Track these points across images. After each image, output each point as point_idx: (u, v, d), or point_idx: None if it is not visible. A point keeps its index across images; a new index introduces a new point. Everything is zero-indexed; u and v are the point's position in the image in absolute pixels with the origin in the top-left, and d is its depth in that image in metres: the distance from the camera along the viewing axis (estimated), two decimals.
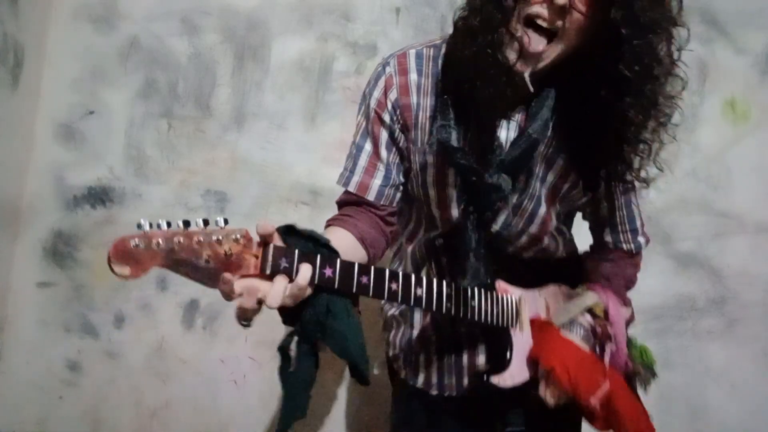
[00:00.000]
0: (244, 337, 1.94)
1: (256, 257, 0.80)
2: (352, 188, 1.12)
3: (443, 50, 1.09)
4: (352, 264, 0.88)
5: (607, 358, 1.13)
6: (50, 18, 1.99)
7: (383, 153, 1.11)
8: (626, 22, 0.89)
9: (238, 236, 0.79)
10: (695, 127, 2.01)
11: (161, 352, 1.95)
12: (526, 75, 0.97)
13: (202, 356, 1.95)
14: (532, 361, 1.09)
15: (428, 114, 1.08)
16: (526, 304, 1.12)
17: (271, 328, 1.96)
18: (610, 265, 1.24)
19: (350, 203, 1.14)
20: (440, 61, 1.08)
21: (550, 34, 0.94)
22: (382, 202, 1.12)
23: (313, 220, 1.95)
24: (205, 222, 0.78)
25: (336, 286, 0.86)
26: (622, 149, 1.00)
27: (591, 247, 1.32)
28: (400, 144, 1.12)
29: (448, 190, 1.10)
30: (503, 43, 0.94)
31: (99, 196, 1.97)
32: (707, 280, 1.99)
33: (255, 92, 1.99)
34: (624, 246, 1.24)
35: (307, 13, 2.00)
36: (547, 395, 1.07)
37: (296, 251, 0.83)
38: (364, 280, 0.88)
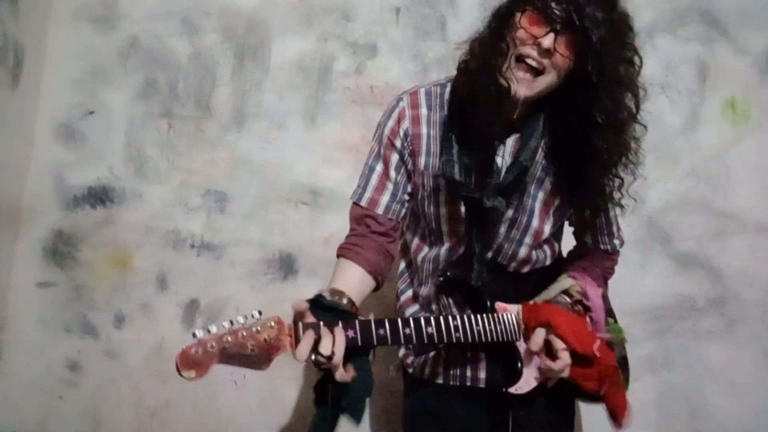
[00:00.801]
0: None
1: (290, 336, 1.01)
2: (363, 203, 1.30)
3: (448, 88, 1.29)
4: (368, 321, 1.07)
5: (588, 326, 1.32)
6: (50, 18, 1.99)
7: (392, 173, 1.30)
8: (598, 75, 1.11)
9: (273, 323, 1.00)
10: (695, 127, 2.01)
11: (161, 352, 1.95)
12: (521, 100, 1.16)
13: None
14: (537, 328, 1.22)
15: (438, 142, 1.27)
16: (521, 315, 1.26)
17: None
18: (588, 258, 1.44)
19: (360, 221, 1.31)
20: (446, 98, 1.28)
21: (537, 72, 1.15)
22: (389, 216, 1.30)
23: (312, 220, 1.96)
24: (245, 317, 0.98)
25: (359, 344, 1.05)
26: (597, 178, 1.22)
27: (574, 247, 1.51)
28: (408, 167, 1.31)
29: (459, 208, 1.27)
30: (498, 80, 1.14)
31: (99, 196, 1.97)
32: (707, 280, 1.99)
33: (255, 92, 1.99)
34: (601, 246, 1.44)
35: (307, 13, 2.00)
36: (562, 354, 1.20)
37: (321, 324, 1.03)
38: (381, 332, 1.07)
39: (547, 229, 1.33)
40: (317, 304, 1.08)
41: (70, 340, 1.95)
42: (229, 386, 1.94)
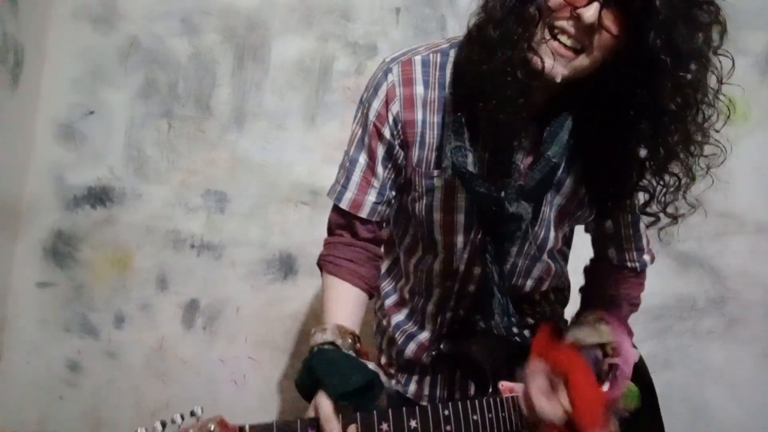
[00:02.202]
0: (244, 337, 1.94)
1: None
2: (344, 205, 1.07)
3: (451, 57, 0.99)
4: (372, 414, 0.87)
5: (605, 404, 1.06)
6: (50, 18, 1.99)
7: (379, 169, 1.05)
8: (667, 50, 0.80)
9: (212, 426, 0.85)
10: None
11: (161, 352, 1.95)
12: (558, 79, 0.88)
13: (202, 356, 1.95)
14: (545, 363, 1.03)
15: (436, 133, 1.00)
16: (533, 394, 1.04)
17: (272, 328, 1.96)
18: (618, 286, 1.19)
19: (343, 227, 1.10)
20: (448, 70, 0.99)
21: (575, 51, 0.86)
22: (374, 219, 1.08)
23: (312, 220, 1.95)
24: (182, 417, 0.82)
25: None
26: (644, 178, 0.95)
27: (592, 261, 1.25)
28: (398, 161, 1.05)
29: (456, 215, 1.04)
30: (525, 59, 0.86)
31: (99, 196, 1.97)
32: (707, 280, 1.98)
33: (255, 92, 1.99)
34: (629, 264, 1.18)
35: (307, 13, 2.00)
36: (560, 403, 1.00)
37: (273, 425, 0.88)
38: (384, 427, 0.87)
39: (560, 238, 1.13)
40: (332, 360, 0.91)
41: (70, 340, 1.95)
42: (229, 386, 1.94)
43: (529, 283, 1.14)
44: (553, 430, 1.00)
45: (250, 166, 1.98)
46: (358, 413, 0.87)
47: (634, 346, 1.18)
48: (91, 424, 1.94)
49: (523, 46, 0.85)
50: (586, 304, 1.21)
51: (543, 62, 0.86)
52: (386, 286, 1.29)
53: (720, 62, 0.87)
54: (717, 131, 0.91)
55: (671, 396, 1.93)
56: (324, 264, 1.09)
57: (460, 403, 0.95)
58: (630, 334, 1.16)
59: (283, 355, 1.95)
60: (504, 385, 1.04)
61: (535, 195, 0.99)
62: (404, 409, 0.90)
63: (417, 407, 0.91)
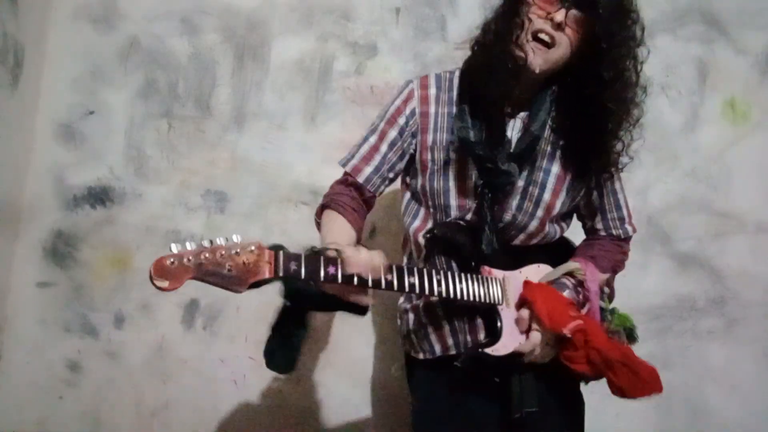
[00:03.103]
0: (244, 336, 1.94)
1: (269, 263, 1.00)
2: (348, 168, 1.37)
3: (457, 74, 1.37)
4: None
5: (584, 310, 1.31)
6: (50, 18, 1.99)
7: (383, 147, 1.36)
8: (605, 36, 1.20)
9: (253, 248, 0.99)
10: (695, 127, 2.01)
11: (161, 352, 1.95)
12: (537, 70, 1.23)
13: (202, 356, 1.95)
14: (521, 304, 1.27)
15: (447, 120, 1.33)
16: (509, 282, 1.30)
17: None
18: (599, 247, 1.44)
19: (347, 184, 1.37)
20: (456, 81, 1.35)
21: (550, 46, 1.23)
22: (368, 187, 1.36)
23: (312, 220, 1.95)
24: (226, 239, 0.98)
25: (339, 281, 1.05)
26: (605, 140, 1.29)
27: (583, 240, 1.50)
28: (405, 145, 1.36)
29: (468, 182, 1.32)
30: (514, 52, 1.22)
31: (99, 196, 1.97)
32: (707, 280, 1.99)
33: (255, 92, 2.00)
34: (613, 231, 1.46)
35: (307, 13, 2.00)
36: (532, 334, 1.24)
37: (302, 255, 1.04)
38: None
39: (558, 205, 1.36)
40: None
41: (70, 340, 1.95)
42: (229, 386, 1.94)
43: (521, 236, 1.36)
44: (565, 352, 1.24)
45: (250, 166, 1.98)
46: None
47: (609, 284, 1.43)
48: (91, 424, 1.94)
49: (510, 45, 1.23)
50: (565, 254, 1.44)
51: (525, 56, 1.22)
52: None
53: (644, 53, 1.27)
54: (643, 102, 1.30)
55: (671, 396, 1.93)
56: (332, 203, 1.34)
57: (449, 272, 1.22)
58: (604, 272, 1.39)
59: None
60: (485, 268, 1.28)
61: (520, 158, 1.29)
62: (405, 267, 1.15)
63: (415, 268, 1.16)
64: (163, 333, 1.95)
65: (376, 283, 1.08)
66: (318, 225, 1.37)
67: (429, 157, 1.34)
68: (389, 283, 1.10)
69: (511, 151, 1.29)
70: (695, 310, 1.98)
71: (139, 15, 1.99)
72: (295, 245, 1.94)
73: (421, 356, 1.40)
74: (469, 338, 1.32)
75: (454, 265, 1.31)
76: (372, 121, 1.41)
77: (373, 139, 1.37)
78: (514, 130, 1.32)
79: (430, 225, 1.37)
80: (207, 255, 0.94)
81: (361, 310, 1.12)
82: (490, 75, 1.24)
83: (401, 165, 1.38)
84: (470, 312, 1.32)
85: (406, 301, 1.46)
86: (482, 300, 1.24)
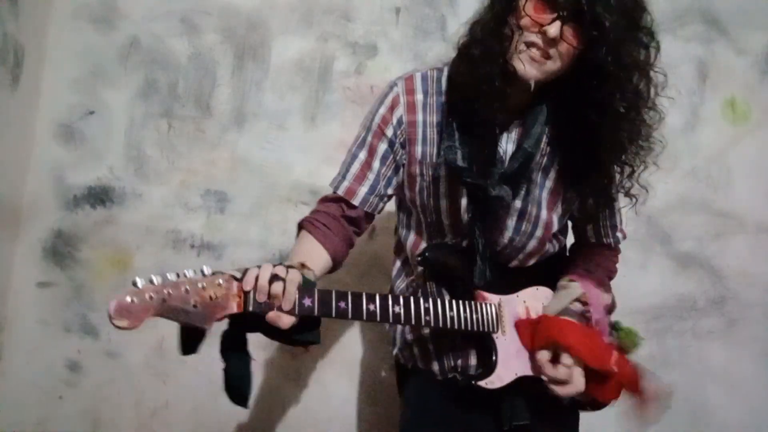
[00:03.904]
0: None
1: (239, 297, 0.94)
2: (340, 192, 1.24)
3: (446, 72, 1.23)
4: (329, 292, 1.00)
5: (602, 337, 1.24)
6: (50, 18, 1.99)
7: (375, 164, 1.23)
8: (611, 61, 1.03)
9: (221, 281, 0.92)
10: (695, 127, 2.01)
11: (161, 352, 1.95)
12: (532, 83, 1.09)
13: (202, 356, 1.94)
14: (545, 347, 1.17)
15: (436, 131, 1.21)
16: (505, 307, 1.22)
17: None
18: (592, 257, 1.36)
19: (334, 201, 1.25)
20: (444, 82, 1.22)
21: (545, 58, 1.08)
22: (365, 209, 1.24)
23: None
24: (194, 271, 0.92)
25: (315, 313, 0.98)
26: (606, 166, 1.16)
27: (572, 246, 1.45)
28: (398, 157, 1.24)
29: (460, 200, 1.22)
30: (502, 70, 1.08)
31: (99, 196, 1.97)
32: (707, 280, 1.99)
33: (255, 92, 1.99)
34: (604, 240, 1.37)
35: (307, 13, 2.00)
36: (560, 372, 1.14)
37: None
38: (342, 305, 1.00)
39: (556, 220, 1.28)
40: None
41: (70, 340, 1.95)
42: None
43: (520, 256, 1.28)
44: (594, 385, 1.16)
45: (250, 166, 1.98)
46: (349, 292, 1.02)
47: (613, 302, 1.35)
48: (91, 424, 1.94)
49: (500, 60, 1.08)
50: (560, 270, 1.35)
51: (517, 68, 1.08)
52: (400, 284, 1.39)
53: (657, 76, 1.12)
54: (656, 129, 1.15)
55: (671, 396, 1.93)
56: (305, 224, 1.22)
57: (439, 299, 1.13)
58: (601, 284, 1.31)
59: (283, 354, 1.95)
60: (479, 293, 1.20)
61: (515, 180, 1.19)
62: (390, 295, 1.06)
63: (401, 296, 1.08)
64: (163, 333, 1.95)
65: (357, 315, 1.01)
66: None
67: (418, 171, 1.23)
68: (371, 314, 1.02)
69: (503, 170, 1.17)
70: (695, 310, 1.98)
71: (139, 15, 1.99)
72: None
73: (410, 365, 1.37)
74: (459, 363, 1.28)
75: (445, 291, 1.24)
76: (357, 133, 1.28)
77: (363, 156, 1.24)
78: (507, 143, 1.21)
79: (424, 242, 1.29)
80: (170, 291, 0.89)
81: (307, 341, 1.03)
82: (478, 93, 1.10)
83: (398, 178, 1.27)
84: (462, 336, 1.25)
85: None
86: (476, 329, 1.16)
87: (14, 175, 1.93)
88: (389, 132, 1.22)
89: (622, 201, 1.28)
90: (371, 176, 1.23)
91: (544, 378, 1.16)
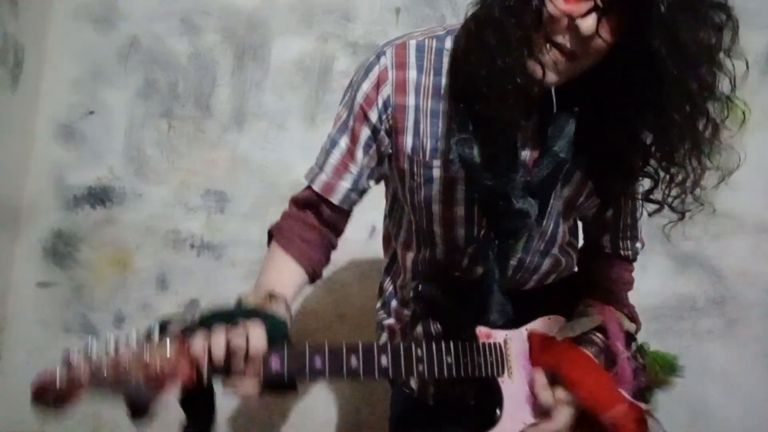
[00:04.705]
0: None
1: (190, 368, 0.79)
2: (317, 187, 1.06)
3: (448, 44, 0.97)
4: (302, 353, 0.84)
5: (613, 374, 1.06)
6: (50, 18, 1.99)
7: (359, 155, 1.02)
8: (670, 55, 0.77)
9: (169, 351, 0.77)
10: None
11: None
12: (552, 86, 0.89)
13: None
14: (545, 369, 1.01)
15: (431, 121, 0.97)
16: (512, 345, 1.04)
17: None
18: (611, 270, 1.19)
19: (310, 206, 1.07)
20: (444, 59, 0.96)
21: (571, 56, 0.85)
22: (345, 206, 1.06)
23: None
24: (137, 333, 0.77)
25: (285, 378, 0.83)
26: (649, 165, 0.92)
27: (583, 248, 1.24)
28: (382, 148, 1.01)
29: (456, 208, 1.01)
30: (524, 67, 0.84)
31: (99, 196, 1.97)
32: (707, 280, 1.98)
33: (255, 92, 1.99)
34: (622, 252, 1.18)
35: (307, 13, 2.00)
36: (545, 399, 0.99)
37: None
38: (318, 364, 0.84)
39: (567, 231, 1.10)
40: (264, 319, 0.86)
41: (70, 340, 1.95)
42: None
43: (535, 278, 1.11)
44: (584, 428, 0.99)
45: (250, 166, 1.98)
46: (325, 343, 0.86)
47: (634, 320, 1.17)
48: (91, 424, 1.94)
49: (522, 53, 0.83)
50: (577, 294, 1.16)
51: (535, 73, 0.85)
52: (388, 286, 1.25)
53: (733, 65, 0.87)
54: (728, 129, 0.92)
55: (671, 396, 1.93)
56: (276, 235, 1.06)
57: (434, 343, 0.94)
58: (632, 315, 1.16)
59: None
60: (481, 330, 1.02)
61: (542, 191, 0.96)
62: (375, 345, 0.89)
63: (389, 345, 0.90)
64: None
65: (336, 373, 0.84)
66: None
67: (407, 166, 1.00)
68: (353, 371, 0.85)
69: (528, 180, 0.94)
70: (695, 310, 1.98)
71: (139, 15, 1.99)
72: None
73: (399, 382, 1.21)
74: (448, 389, 1.10)
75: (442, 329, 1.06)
76: (338, 112, 1.07)
77: (344, 143, 1.03)
78: (527, 145, 0.96)
79: (414, 251, 1.10)
80: (105, 372, 0.74)
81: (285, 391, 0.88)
82: (493, 92, 0.85)
83: (382, 170, 1.06)
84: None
85: (384, 313, 1.23)
86: (477, 374, 0.98)
87: (14, 175, 1.93)
88: (373, 116, 0.99)
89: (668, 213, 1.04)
90: (354, 169, 1.03)
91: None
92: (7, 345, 1.95)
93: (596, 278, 1.16)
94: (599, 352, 1.03)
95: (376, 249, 1.93)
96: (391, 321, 1.20)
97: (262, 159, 1.98)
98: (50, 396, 0.73)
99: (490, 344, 1.01)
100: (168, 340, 0.78)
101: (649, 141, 0.88)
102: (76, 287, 1.96)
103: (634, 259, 1.22)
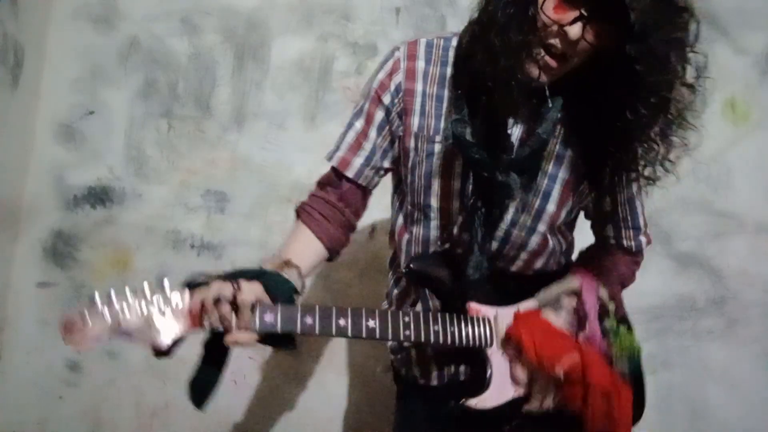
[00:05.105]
0: None
1: (192, 317, 0.92)
2: (334, 162, 1.18)
3: (454, 42, 1.12)
4: (294, 308, 0.95)
5: (581, 337, 1.13)
6: (50, 18, 1.99)
7: (372, 133, 1.15)
8: (642, 59, 0.92)
9: (177, 301, 0.92)
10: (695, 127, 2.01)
11: None
12: (545, 84, 1.02)
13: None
14: (507, 341, 1.09)
15: (436, 104, 1.11)
16: (502, 321, 1.10)
17: None
18: (605, 256, 1.26)
19: (332, 185, 1.19)
20: (451, 54, 1.11)
21: (561, 58, 0.99)
22: (360, 181, 1.17)
23: None
24: (151, 287, 0.91)
25: (278, 330, 0.94)
26: (629, 143, 1.03)
27: (590, 246, 1.32)
28: (394, 127, 1.14)
29: (453, 181, 1.12)
30: (522, 67, 0.98)
31: (99, 196, 1.97)
32: (707, 280, 1.98)
33: (255, 92, 1.99)
34: (624, 242, 1.25)
35: (307, 13, 2.00)
36: (517, 371, 1.07)
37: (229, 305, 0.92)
38: (309, 321, 0.94)
39: (564, 215, 1.17)
40: (263, 277, 0.98)
41: None
42: (229, 386, 1.94)
43: (523, 256, 1.17)
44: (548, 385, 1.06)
45: (250, 166, 1.98)
46: (317, 306, 0.97)
47: (614, 299, 1.21)
48: (91, 424, 1.94)
49: (522, 55, 0.97)
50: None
51: (531, 74, 0.99)
52: (390, 278, 1.33)
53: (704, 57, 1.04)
54: (693, 111, 1.04)
55: (671, 396, 1.93)
56: (300, 212, 1.19)
57: (421, 312, 1.04)
58: (609, 283, 1.21)
59: (283, 354, 1.95)
60: (472, 305, 1.09)
61: (524, 167, 1.07)
62: (363, 309, 0.99)
63: (377, 310, 1.00)
64: None
65: (325, 331, 0.95)
66: None
67: (412, 144, 1.13)
68: (342, 329, 0.96)
69: (513, 157, 1.06)
70: (695, 310, 1.98)
71: (139, 15, 1.99)
72: None
73: (402, 372, 1.30)
74: (461, 369, 1.19)
75: (437, 302, 1.15)
76: (357, 101, 1.20)
77: (359, 124, 1.16)
78: (514, 126, 1.09)
79: (411, 229, 1.19)
80: (126, 313, 0.88)
81: (286, 346, 1.00)
82: (496, 88, 0.99)
83: (394, 152, 1.17)
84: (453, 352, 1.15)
85: (386, 303, 1.33)
86: (465, 344, 1.06)
87: (14, 175, 1.93)
88: (386, 99, 1.13)
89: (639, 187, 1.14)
90: (367, 146, 1.15)
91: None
92: (7, 345, 1.95)
93: (593, 255, 1.27)
94: (568, 314, 1.13)
95: (376, 249, 1.94)
96: (392, 309, 1.27)
97: (262, 159, 1.98)
98: (76, 333, 0.86)
99: (479, 318, 1.09)
100: (175, 293, 0.92)
101: (627, 123, 1.00)
102: (76, 287, 1.96)
103: (639, 251, 1.27)
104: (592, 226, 1.29)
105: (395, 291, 1.30)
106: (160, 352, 0.92)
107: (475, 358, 1.11)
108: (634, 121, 0.98)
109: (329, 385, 1.95)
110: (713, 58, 2.10)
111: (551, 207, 1.14)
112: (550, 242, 1.19)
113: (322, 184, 1.22)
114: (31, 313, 1.95)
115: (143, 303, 0.89)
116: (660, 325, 1.97)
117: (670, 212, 2.00)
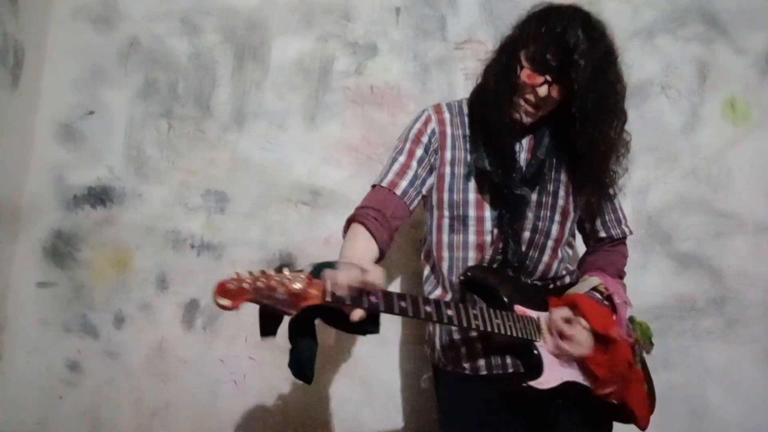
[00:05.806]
0: (244, 337, 1.94)
1: (318, 290, 1.09)
2: (384, 183, 1.43)
3: (464, 103, 1.53)
4: (391, 293, 1.16)
5: (614, 318, 1.41)
6: (50, 18, 1.99)
7: (414, 164, 1.46)
8: (583, 115, 1.34)
9: (303, 277, 1.09)
10: (695, 127, 2.01)
11: (161, 352, 1.95)
12: (527, 124, 1.43)
13: (202, 356, 1.95)
14: (565, 305, 1.37)
15: (461, 140, 1.48)
16: (544, 322, 1.37)
17: None
18: (603, 256, 1.59)
19: (380, 203, 1.40)
20: (465, 108, 1.52)
21: (535, 109, 1.40)
22: (405, 200, 1.42)
23: (312, 220, 1.95)
24: (281, 266, 1.10)
25: (381, 309, 1.14)
26: (597, 171, 1.43)
27: (586, 251, 1.66)
28: (432, 161, 1.47)
29: (485, 195, 1.45)
30: (512, 116, 1.41)
31: (99, 196, 1.97)
32: (707, 280, 1.98)
33: (255, 92, 2.00)
34: (612, 231, 1.60)
35: (307, 13, 2.00)
36: (566, 345, 1.32)
37: (347, 286, 1.10)
38: (403, 304, 1.16)
39: (572, 209, 1.48)
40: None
41: (70, 340, 1.95)
42: (229, 386, 1.94)
43: (550, 243, 1.47)
44: (588, 353, 1.33)
45: (250, 166, 1.98)
46: (407, 294, 1.20)
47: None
48: (91, 424, 1.94)
49: (509, 106, 1.41)
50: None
51: (515, 119, 1.41)
52: (428, 287, 1.54)
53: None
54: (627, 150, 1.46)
55: (671, 396, 1.93)
56: (357, 217, 1.37)
57: (485, 308, 1.30)
58: (617, 282, 1.52)
59: (283, 355, 1.93)
60: (518, 307, 1.36)
61: (532, 182, 1.44)
62: (442, 300, 1.24)
63: (453, 302, 1.26)
64: (163, 333, 1.95)
65: (416, 313, 1.16)
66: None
67: (448, 171, 1.46)
68: (428, 314, 1.19)
69: (523, 175, 1.43)
70: (695, 310, 1.98)
71: (139, 15, 2.00)
72: (295, 245, 1.96)
73: (450, 368, 1.47)
74: (508, 361, 1.41)
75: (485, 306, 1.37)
76: (394, 146, 1.50)
77: (402, 158, 1.46)
78: (521, 152, 1.46)
79: (445, 236, 1.47)
80: (263, 281, 1.06)
81: (370, 331, 1.19)
82: (494, 127, 1.40)
83: (431, 180, 1.48)
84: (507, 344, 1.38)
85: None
86: (520, 335, 1.31)
87: (14, 175, 1.93)
88: (425, 139, 1.47)
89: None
90: (410, 173, 1.44)
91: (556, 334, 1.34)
92: (7, 345, 1.95)
93: (592, 261, 1.60)
94: (600, 301, 1.42)
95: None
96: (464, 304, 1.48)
97: (262, 159, 1.98)
98: (226, 292, 1.05)
99: (526, 317, 1.35)
100: (302, 272, 1.09)
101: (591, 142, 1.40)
102: (76, 287, 1.96)
103: (624, 240, 1.63)
104: (584, 231, 1.63)
105: (437, 291, 1.53)
106: (269, 333, 1.15)
107: (525, 349, 1.34)
108: (594, 138, 1.37)
109: (329, 385, 1.95)
110: (713, 58, 2.13)
111: (562, 201, 1.47)
112: (560, 253, 1.49)
113: (372, 202, 1.42)
114: (31, 313, 1.95)
115: (279, 277, 1.07)
116: (660, 325, 1.97)
117: (670, 212, 2.00)
